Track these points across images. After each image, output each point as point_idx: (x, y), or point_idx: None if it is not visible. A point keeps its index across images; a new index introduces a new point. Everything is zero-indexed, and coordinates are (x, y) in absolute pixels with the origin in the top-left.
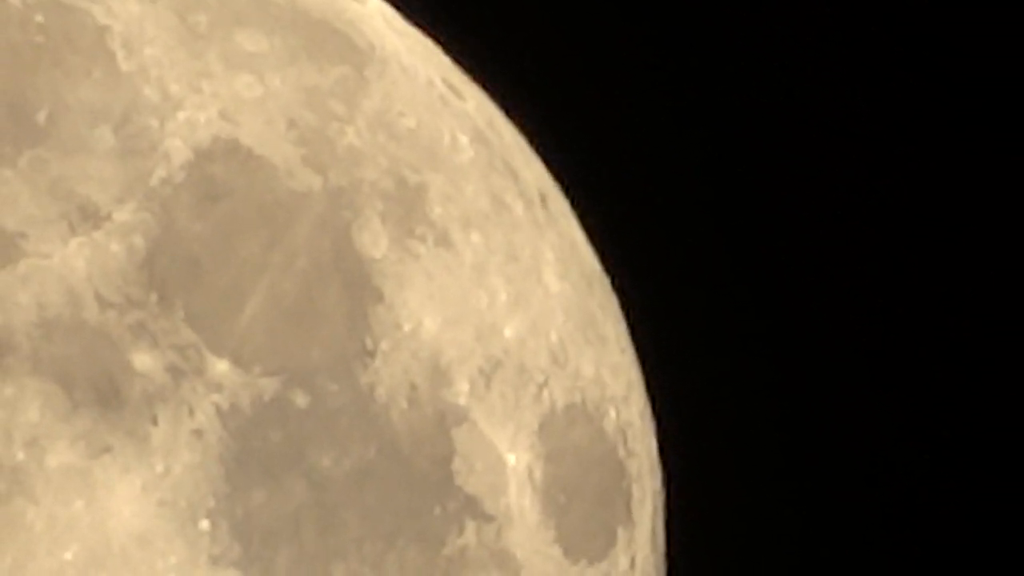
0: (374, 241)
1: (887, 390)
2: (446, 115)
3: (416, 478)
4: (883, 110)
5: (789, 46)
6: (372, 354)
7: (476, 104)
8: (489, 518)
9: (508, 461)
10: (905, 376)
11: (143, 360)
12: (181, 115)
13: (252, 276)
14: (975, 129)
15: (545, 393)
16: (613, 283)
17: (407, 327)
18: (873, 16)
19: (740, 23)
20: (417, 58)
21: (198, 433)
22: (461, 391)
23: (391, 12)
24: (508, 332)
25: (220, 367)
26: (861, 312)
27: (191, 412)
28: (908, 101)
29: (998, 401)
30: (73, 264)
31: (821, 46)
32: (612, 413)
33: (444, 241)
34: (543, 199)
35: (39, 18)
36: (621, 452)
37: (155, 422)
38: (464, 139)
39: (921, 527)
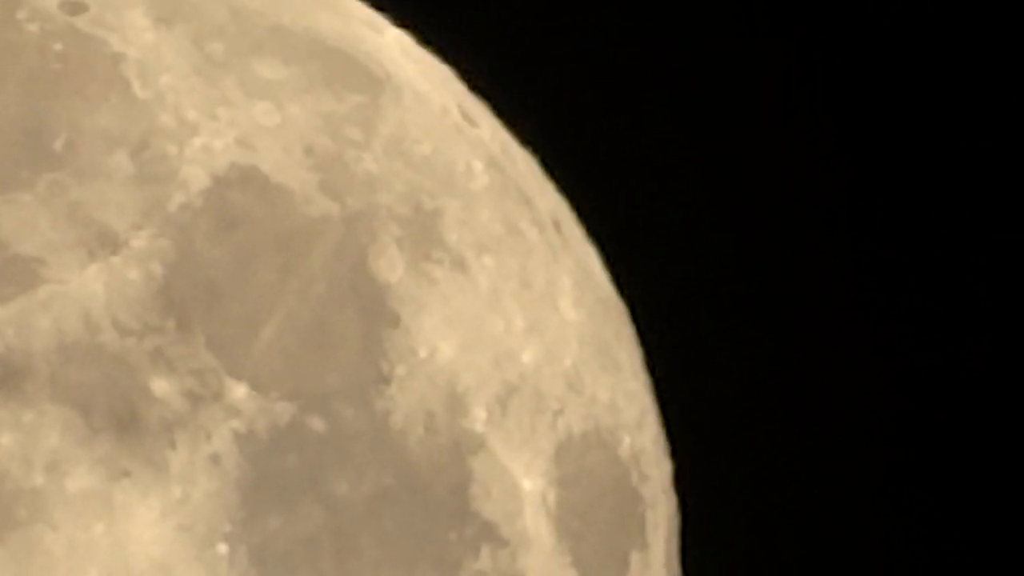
0: (390, 266)
1: (916, 414)
2: (460, 142)
3: (433, 504)
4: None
5: (804, 78)
6: (388, 380)
7: (490, 131)
8: (504, 543)
9: (524, 487)
10: (940, 403)
11: (161, 385)
12: (198, 142)
13: (269, 301)
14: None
15: (561, 420)
16: (628, 309)
17: (423, 352)
18: (908, 21)
19: (759, 50)
20: (432, 85)
21: (215, 458)
22: (478, 417)
23: (408, 40)
24: (524, 358)
25: (238, 392)
26: (886, 340)
27: (209, 437)
28: (946, 104)
29: None
30: (91, 290)
31: (844, 82)
32: (626, 439)
33: (460, 266)
34: (557, 225)
35: (57, 46)
36: (635, 478)
37: (173, 447)
38: (479, 165)
39: (956, 563)
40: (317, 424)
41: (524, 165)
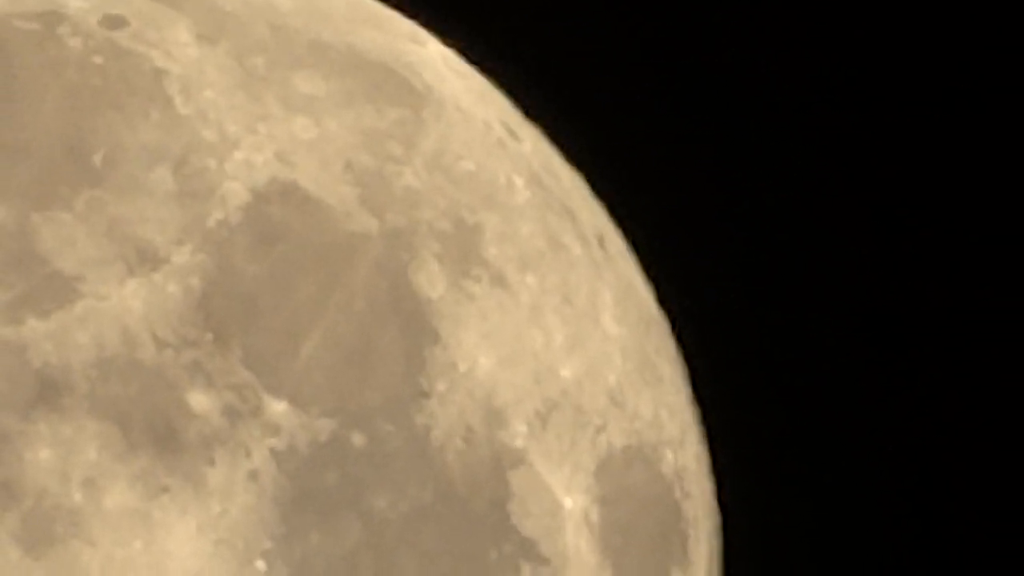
0: (431, 282)
1: (972, 434)
2: (503, 157)
3: (472, 520)
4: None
5: (849, 102)
6: (428, 395)
7: (533, 146)
8: (545, 561)
9: (564, 503)
10: (987, 419)
11: (200, 401)
12: (238, 157)
13: (309, 317)
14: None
15: (602, 435)
16: (670, 325)
17: (463, 368)
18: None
19: (808, 72)
20: (475, 100)
21: (255, 474)
22: (518, 433)
23: (450, 54)
24: (565, 373)
25: (277, 408)
26: (936, 361)
27: (248, 453)
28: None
29: None
30: (130, 305)
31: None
32: (669, 455)
33: (500, 282)
34: (600, 240)
35: (98, 60)
36: (677, 494)
37: (212, 463)
38: (520, 181)
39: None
40: (357, 440)
41: (568, 180)
